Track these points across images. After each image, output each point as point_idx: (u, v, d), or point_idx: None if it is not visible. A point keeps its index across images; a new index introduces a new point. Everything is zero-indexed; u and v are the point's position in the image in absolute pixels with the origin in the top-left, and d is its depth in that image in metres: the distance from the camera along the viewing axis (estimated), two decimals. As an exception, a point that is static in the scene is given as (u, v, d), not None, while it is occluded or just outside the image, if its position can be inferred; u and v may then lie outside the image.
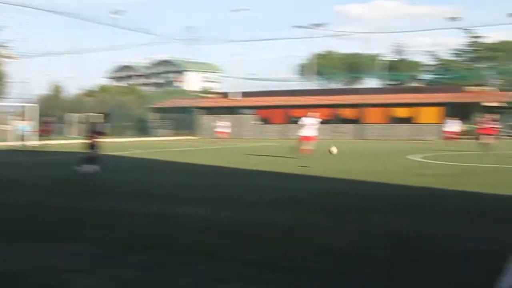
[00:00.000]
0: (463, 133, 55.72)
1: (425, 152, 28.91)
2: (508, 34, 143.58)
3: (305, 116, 22.96)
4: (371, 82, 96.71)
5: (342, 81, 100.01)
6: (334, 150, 22.11)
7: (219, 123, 50.60)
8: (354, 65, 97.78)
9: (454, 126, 42.84)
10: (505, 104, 58.95)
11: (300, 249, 6.74)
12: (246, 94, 66.84)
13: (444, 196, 11.90)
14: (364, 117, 58.82)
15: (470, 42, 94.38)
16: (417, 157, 24.24)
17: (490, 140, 29.80)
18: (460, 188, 12.89)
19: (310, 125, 22.58)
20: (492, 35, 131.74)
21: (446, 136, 42.80)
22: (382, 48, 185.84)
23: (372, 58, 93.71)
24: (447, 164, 20.17)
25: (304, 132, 22.60)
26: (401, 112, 58.05)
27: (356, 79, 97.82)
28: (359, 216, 9.16)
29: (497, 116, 32.78)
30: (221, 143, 42.18)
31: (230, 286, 5.23)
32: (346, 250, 6.65)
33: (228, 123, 51.34)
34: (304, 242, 7.15)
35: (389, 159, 23.78)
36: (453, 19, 59.67)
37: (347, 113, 60.45)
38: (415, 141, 50.22)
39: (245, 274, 5.62)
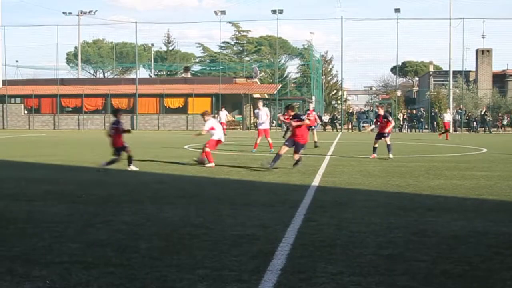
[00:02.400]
0: (234, 123, 58.05)
1: (199, 141, 29.55)
2: (271, 29, 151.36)
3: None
4: (142, 72, 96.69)
5: (111, 70, 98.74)
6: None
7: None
8: (124, 54, 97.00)
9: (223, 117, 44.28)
10: (267, 96, 62.23)
11: (70, 242, 6.56)
12: (10, 83, 63.22)
13: (212, 184, 12.25)
14: (137, 107, 58.62)
15: (236, 35, 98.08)
16: (193, 147, 24.73)
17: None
18: (233, 177, 13.35)
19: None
20: (257, 30, 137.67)
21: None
22: (152, 39, 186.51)
23: (142, 48, 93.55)
24: (218, 154, 20.77)
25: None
26: (174, 103, 58.74)
27: (127, 68, 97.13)
28: (132, 206, 9.09)
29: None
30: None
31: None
32: (116, 243, 6.53)
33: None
34: (75, 235, 7.01)
35: (167, 149, 23.97)
36: (221, 12, 61.30)
37: (119, 103, 59.87)
38: (190, 132, 51.16)
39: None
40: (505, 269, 5.53)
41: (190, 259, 5.77)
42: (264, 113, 22.70)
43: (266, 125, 22.69)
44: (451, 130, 53.82)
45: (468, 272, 5.43)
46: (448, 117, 41.86)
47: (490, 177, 13.44)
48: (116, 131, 14.87)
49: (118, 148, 14.88)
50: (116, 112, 15.73)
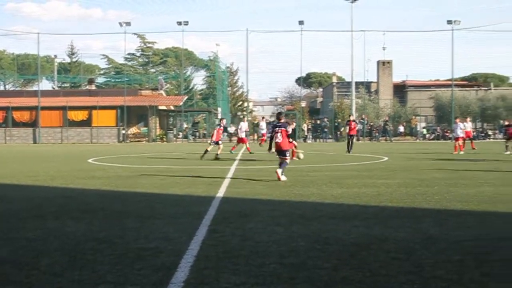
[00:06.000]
0: (140, 136, 57.50)
1: (103, 155, 29.19)
2: (176, 41, 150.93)
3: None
4: (45, 84, 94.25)
5: (13, 82, 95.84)
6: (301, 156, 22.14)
7: None
8: (26, 66, 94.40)
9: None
10: (172, 108, 62.00)
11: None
12: None
13: (116, 197, 12.07)
14: (39, 120, 57.16)
15: (141, 47, 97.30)
16: (97, 160, 24.34)
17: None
18: (137, 190, 13.23)
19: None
20: (163, 41, 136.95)
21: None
22: (56, 50, 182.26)
23: (45, 59, 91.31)
24: (122, 167, 20.58)
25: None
26: (78, 115, 57.66)
27: (29, 80, 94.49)
28: (35, 221, 8.88)
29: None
30: None
31: None
32: (16, 260, 6.36)
33: None
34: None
35: (70, 162, 23.49)
36: (126, 24, 60.63)
37: (21, 116, 58.27)
38: (93, 144, 50.29)
39: None
40: (402, 273, 5.72)
41: (93, 274, 5.67)
42: (246, 125, 29.41)
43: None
44: (354, 139, 55.40)
45: (368, 277, 5.59)
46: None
47: (390, 184, 13.87)
48: (282, 134, 15.09)
49: (283, 152, 15.11)
50: (279, 114, 16.28)
